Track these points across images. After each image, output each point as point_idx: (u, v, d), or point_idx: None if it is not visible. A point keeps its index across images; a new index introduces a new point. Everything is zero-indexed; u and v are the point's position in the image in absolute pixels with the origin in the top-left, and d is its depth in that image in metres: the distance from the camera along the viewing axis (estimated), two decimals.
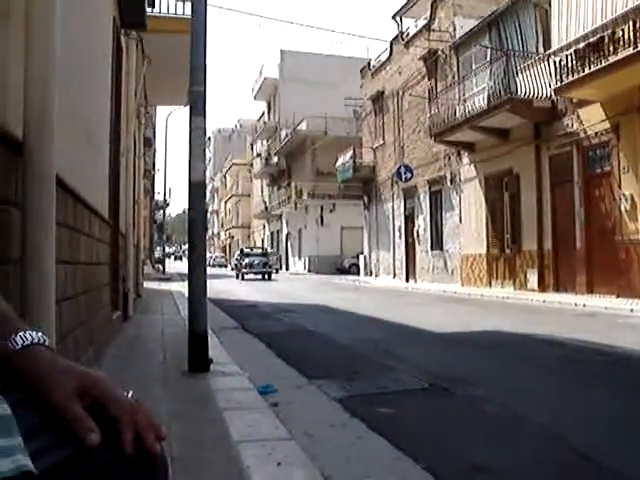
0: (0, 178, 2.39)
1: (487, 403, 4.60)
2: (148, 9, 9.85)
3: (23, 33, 2.55)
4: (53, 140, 2.64)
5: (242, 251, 35.49)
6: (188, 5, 9.63)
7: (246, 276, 31.82)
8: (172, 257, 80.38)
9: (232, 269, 36.47)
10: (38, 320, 2.56)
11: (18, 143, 2.53)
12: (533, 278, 16.68)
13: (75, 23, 3.96)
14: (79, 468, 0.78)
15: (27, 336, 0.85)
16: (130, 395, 0.88)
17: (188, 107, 5.67)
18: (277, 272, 42.13)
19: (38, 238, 2.57)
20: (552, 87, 14.90)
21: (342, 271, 35.88)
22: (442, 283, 21.48)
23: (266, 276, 32.04)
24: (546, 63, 15.40)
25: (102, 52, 6.21)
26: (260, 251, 36.38)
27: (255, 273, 32.10)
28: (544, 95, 15.67)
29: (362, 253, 31.27)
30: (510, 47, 17.24)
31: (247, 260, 32.56)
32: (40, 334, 0.87)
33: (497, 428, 4.01)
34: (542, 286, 16.23)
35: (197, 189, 5.50)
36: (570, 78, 13.67)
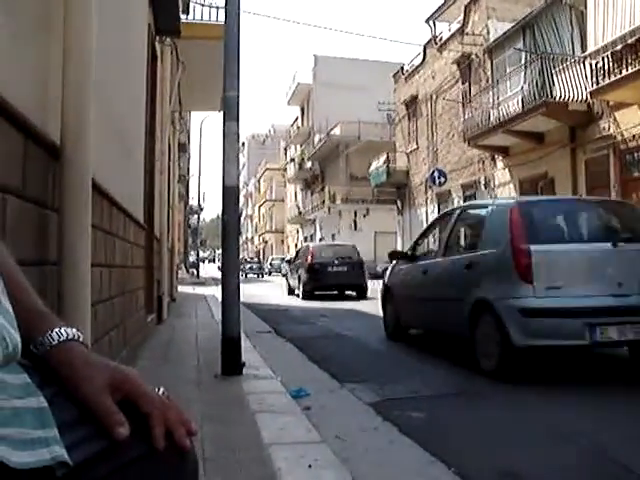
0: (38, 182, 2.45)
1: (522, 408, 4.56)
2: (182, 16, 9.98)
3: (61, 42, 2.60)
4: (89, 145, 2.70)
5: (245, 259, 52.97)
6: (222, 11, 9.73)
7: (248, 275, 45.02)
8: (206, 261, 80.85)
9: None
10: (74, 321, 2.61)
11: (55, 148, 2.59)
12: None
13: (111, 30, 4.03)
14: (111, 462, 0.80)
15: (63, 332, 0.87)
16: (161, 392, 0.90)
17: (222, 112, 5.72)
18: None
19: (74, 241, 2.62)
20: (588, 90, 14.73)
21: (375, 276, 35.75)
22: None
23: (259, 275, 47.83)
24: (582, 65, 15.22)
25: (137, 58, 6.30)
26: (256, 259, 56.86)
27: (253, 273, 47.74)
28: (580, 98, 15.48)
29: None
30: (545, 50, 17.08)
31: (248, 265, 48.59)
32: (75, 330, 0.90)
33: (532, 434, 3.97)
34: None
35: (231, 194, 5.54)
36: (607, 80, 13.51)
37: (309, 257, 18.79)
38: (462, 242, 7.62)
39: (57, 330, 0.87)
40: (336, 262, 18.80)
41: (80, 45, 2.64)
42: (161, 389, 0.91)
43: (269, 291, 24.13)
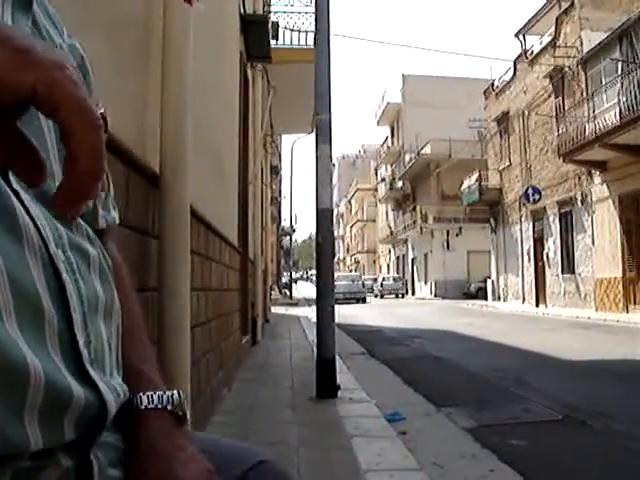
0: (140, 210, 2.52)
1: (629, 439, 4.34)
2: (272, 41, 10.17)
3: (159, 74, 2.69)
4: (187, 172, 2.75)
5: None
6: (311, 35, 9.85)
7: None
8: (298, 281, 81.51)
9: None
10: (174, 346, 2.66)
11: (155, 176, 2.66)
12: None
13: (206, 59, 4.13)
14: None
15: (154, 398, 0.84)
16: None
17: (313, 135, 5.77)
18: (403, 297, 41.91)
19: (174, 267, 2.68)
20: None
21: (469, 296, 35.18)
22: (574, 308, 20.60)
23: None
24: None
25: (230, 85, 6.44)
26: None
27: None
28: None
29: (490, 277, 30.68)
30: None
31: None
32: (171, 397, 0.86)
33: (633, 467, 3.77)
34: None
35: (324, 216, 5.56)
36: None
37: None
38: None
39: (150, 394, 0.84)
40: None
41: (177, 78, 2.71)
42: None
43: (360, 311, 24.09)
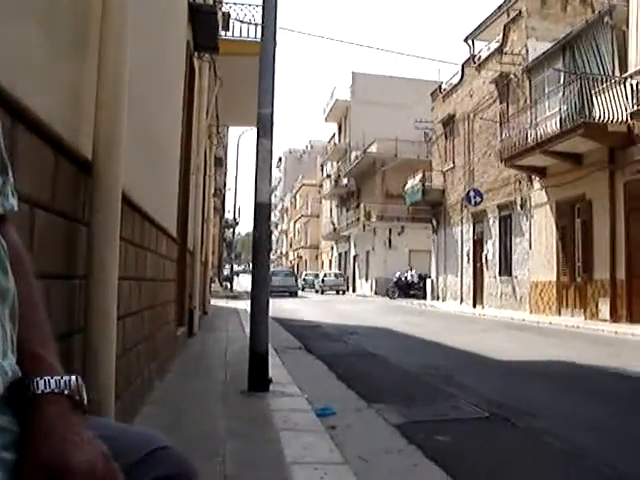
0: (69, 196, 2.48)
1: (550, 436, 4.47)
2: (222, 32, 10.10)
3: (96, 58, 2.65)
4: (120, 159, 2.72)
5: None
6: (260, 28, 9.83)
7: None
8: (240, 274, 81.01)
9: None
10: (100, 335, 2.63)
11: (87, 162, 2.62)
12: (605, 308, 16.18)
13: (148, 46, 4.08)
14: None
15: (51, 382, 0.85)
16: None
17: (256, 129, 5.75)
18: (343, 294, 42.12)
19: (103, 255, 2.65)
20: (628, 111, 14.54)
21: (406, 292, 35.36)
22: (510, 310, 21.07)
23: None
24: (622, 86, 15.04)
25: (175, 74, 6.38)
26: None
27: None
28: (620, 119, 15.28)
29: (411, 270, 31.66)
30: (585, 70, 16.92)
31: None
32: (69, 382, 0.86)
33: (559, 463, 3.89)
34: (614, 316, 15.72)
35: (262, 210, 5.56)
36: None
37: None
38: None
39: (47, 379, 0.85)
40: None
41: (114, 63, 2.67)
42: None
43: (299, 306, 24.13)
